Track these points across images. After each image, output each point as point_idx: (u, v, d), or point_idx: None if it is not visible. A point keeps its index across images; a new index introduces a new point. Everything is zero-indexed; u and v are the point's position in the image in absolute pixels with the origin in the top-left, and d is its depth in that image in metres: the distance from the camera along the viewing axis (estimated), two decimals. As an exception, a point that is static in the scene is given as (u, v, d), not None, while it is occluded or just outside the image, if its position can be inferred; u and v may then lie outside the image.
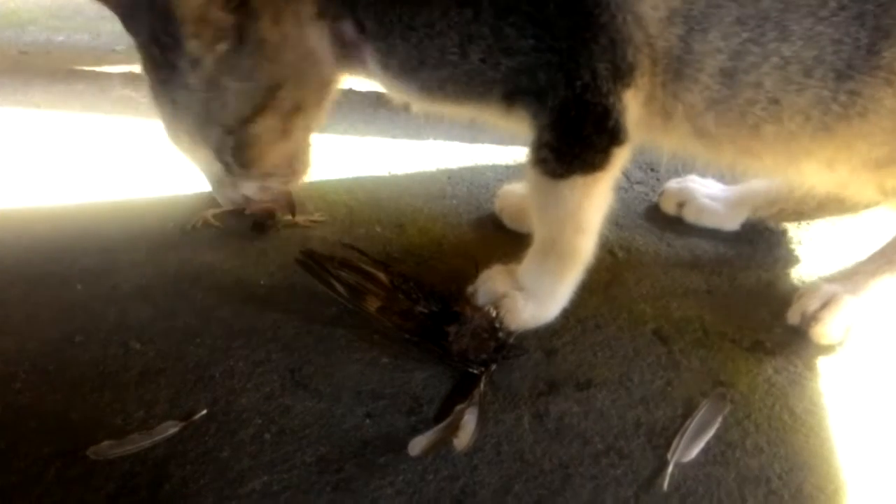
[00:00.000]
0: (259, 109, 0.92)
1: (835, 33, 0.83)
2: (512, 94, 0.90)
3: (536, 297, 1.00)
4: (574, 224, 0.96)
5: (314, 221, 1.24)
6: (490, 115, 0.96)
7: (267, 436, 0.88)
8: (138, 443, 0.86)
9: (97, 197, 1.34)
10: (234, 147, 0.94)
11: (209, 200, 1.23)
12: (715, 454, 0.85)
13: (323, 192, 1.30)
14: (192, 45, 0.87)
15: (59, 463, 0.84)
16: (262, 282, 1.12)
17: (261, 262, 1.15)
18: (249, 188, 0.99)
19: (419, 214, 1.27)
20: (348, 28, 0.89)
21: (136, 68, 1.75)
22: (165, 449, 0.86)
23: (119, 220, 1.26)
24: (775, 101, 0.88)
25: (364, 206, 1.28)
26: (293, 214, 1.21)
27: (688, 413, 0.90)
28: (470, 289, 1.02)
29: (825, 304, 0.99)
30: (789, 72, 0.85)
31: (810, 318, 0.99)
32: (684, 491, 0.82)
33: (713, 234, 1.20)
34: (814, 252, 1.17)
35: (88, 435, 0.86)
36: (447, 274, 1.10)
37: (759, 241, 1.18)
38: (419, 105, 1.00)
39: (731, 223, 1.21)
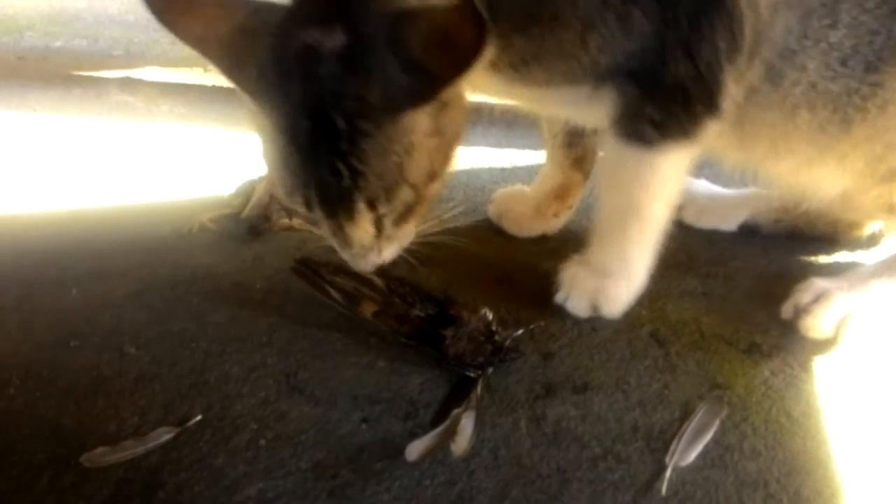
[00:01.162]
0: (446, 162, 0.88)
1: (873, 23, 0.88)
2: (606, 77, 0.89)
3: (627, 273, 1.01)
4: (662, 193, 0.96)
5: None
6: (568, 101, 0.95)
7: (262, 442, 0.87)
8: (132, 449, 0.85)
9: (93, 201, 1.33)
10: (410, 202, 0.86)
11: (205, 204, 1.23)
12: (713, 458, 0.85)
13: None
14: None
15: (51, 470, 0.83)
16: (257, 286, 1.11)
17: (257, 267, 1.15)
18: (392, 251, 0.92)
19: (415, 218, 1.26)
20: None
21: (133, 73, 1.79)
22: (159, 456, 0.85)
23: (115, 224, 1.26)
24: (813, 86, 0.91)
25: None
26: (290, 218, 1.21)
27: (685, 416, 0.90)
28: (559, 297, 1.02)
29: (817, 298, 1.01)
30: (830, 58, 0.89)
31: (802, 311, 1.00)
32: (682, 496, 0.81)
33: (709, 236, 1.20)
34: (811, 255, 1.17)
35: (82, 441, 0.86)
36: (443, 278, 1.10)
37: (755, 242, 1.18)
38: (500, 98, 0.97)
39: (730, 224, 1.21)
